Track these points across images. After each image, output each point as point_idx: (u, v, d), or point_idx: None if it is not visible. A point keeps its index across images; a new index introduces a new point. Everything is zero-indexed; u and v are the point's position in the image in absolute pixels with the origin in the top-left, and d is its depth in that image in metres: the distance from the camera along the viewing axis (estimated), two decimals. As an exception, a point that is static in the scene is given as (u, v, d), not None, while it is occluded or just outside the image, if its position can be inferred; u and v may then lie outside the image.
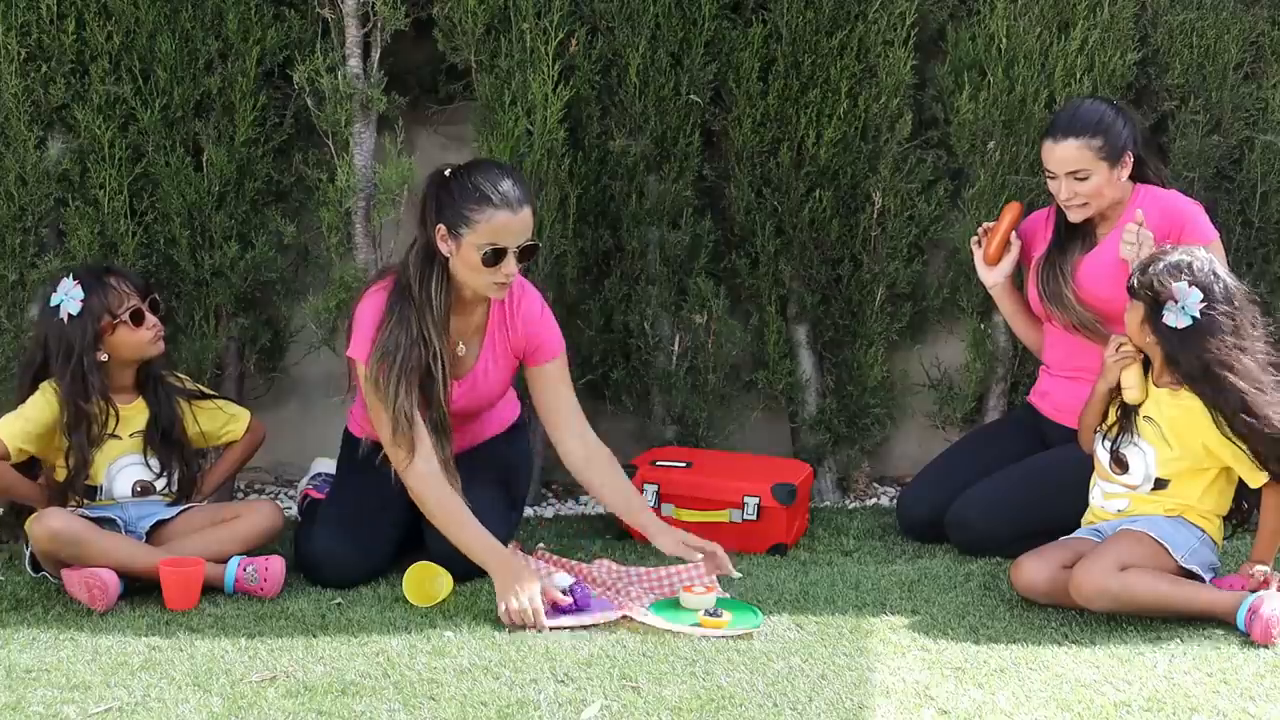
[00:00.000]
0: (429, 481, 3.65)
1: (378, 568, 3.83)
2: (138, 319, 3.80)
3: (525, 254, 3.70)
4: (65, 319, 3.75)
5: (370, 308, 3.74)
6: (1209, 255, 3.58)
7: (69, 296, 3.75)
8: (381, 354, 3.66)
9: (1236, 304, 3.50)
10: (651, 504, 4.10)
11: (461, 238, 3.64)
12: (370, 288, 3.83)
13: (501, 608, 3.48)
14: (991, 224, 4.19)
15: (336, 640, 3.38)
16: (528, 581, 3.51)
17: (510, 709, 3.01)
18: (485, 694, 3.08)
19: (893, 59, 4.51)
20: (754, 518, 4.09)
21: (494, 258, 3.64)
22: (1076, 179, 3.93)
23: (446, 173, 3.71)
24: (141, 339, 3.81)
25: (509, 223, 3.63)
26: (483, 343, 3.86)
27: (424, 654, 3.30)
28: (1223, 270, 3.55)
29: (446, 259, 3.69)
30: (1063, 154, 3.92)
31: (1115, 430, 3.64)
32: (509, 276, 3.68)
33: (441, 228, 3.66)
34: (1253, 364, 3.47)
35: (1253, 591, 3.47)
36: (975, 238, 4.21)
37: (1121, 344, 3.64)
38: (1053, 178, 3.97)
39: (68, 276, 3.80)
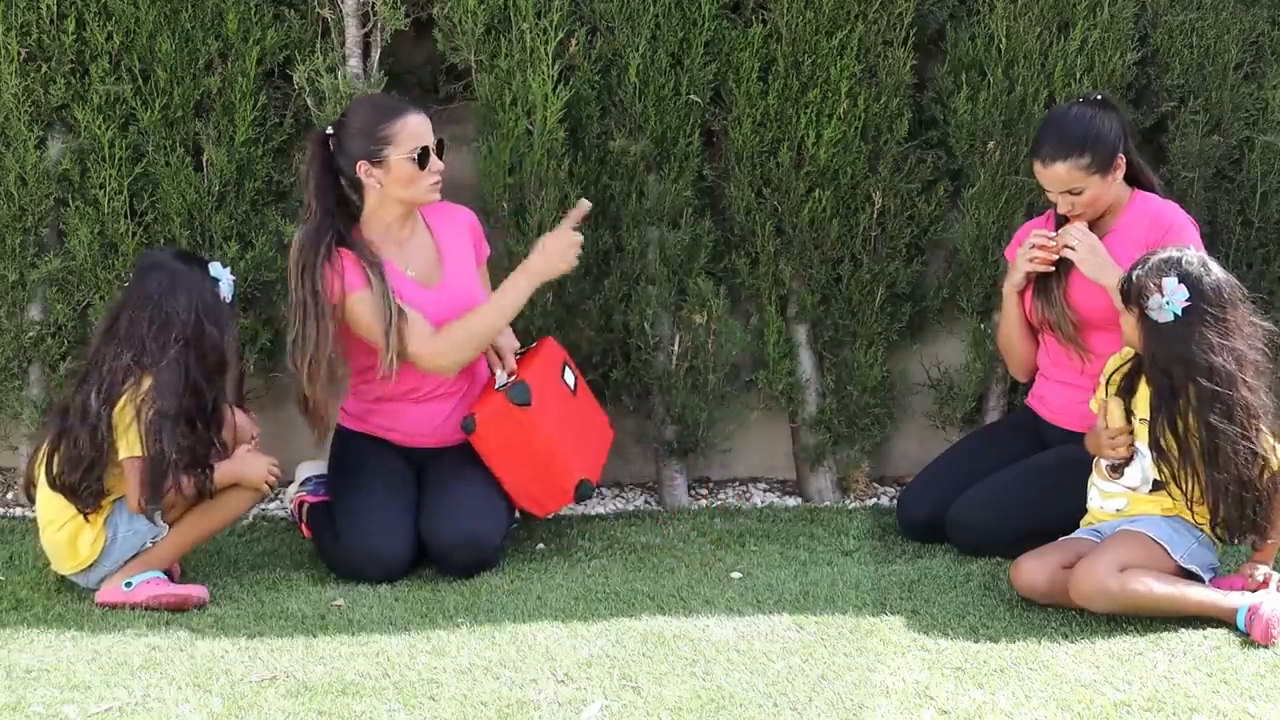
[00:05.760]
0: (443, 335, 3.89)
1: (415, 557, 3.86)
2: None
3: (440, 149, 3.94)
4: (225, 299, 3.68)
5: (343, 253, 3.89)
6: (1201, 253, 3.57)
7: (226, 281, 3.69)
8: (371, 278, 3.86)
9: (1226, 297, 3.49)
10: None
11: (387, 158, 3.86)
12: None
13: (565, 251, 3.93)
14: (1049, 237, 4.00)
15: (336, 640, 3.39)
16: (563, 244, 3.94)
17: (510, 709, 3.01)
18: (485, 694, 3.08)
19: (892, 59, 4.51)
20: None
21: (424, 157, 3.87)
22: (1072, 194, 3.93)
23: (329, 130, 3.93)
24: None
25: (421, 122, 3.90)
26: (440, 252, 4.05)
27: (424, 654, 3.30)
28: (1215, 265, 3.53)
29: (359, 198, 3.93)
30: (1053, 175, 3.92)
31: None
32: (439, 171, 3.92)
33: (363, 164, 3.87)
34: (1235, 371, 3.45)
35: (1252, 592, 3.47)
36: (1036, 249, 3.99)
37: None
38: (1048, 192, 3.97)
39: (216, 261, 3.72)
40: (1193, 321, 3.44)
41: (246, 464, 3.74)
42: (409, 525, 3.88)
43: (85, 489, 3.60)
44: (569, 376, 4.11)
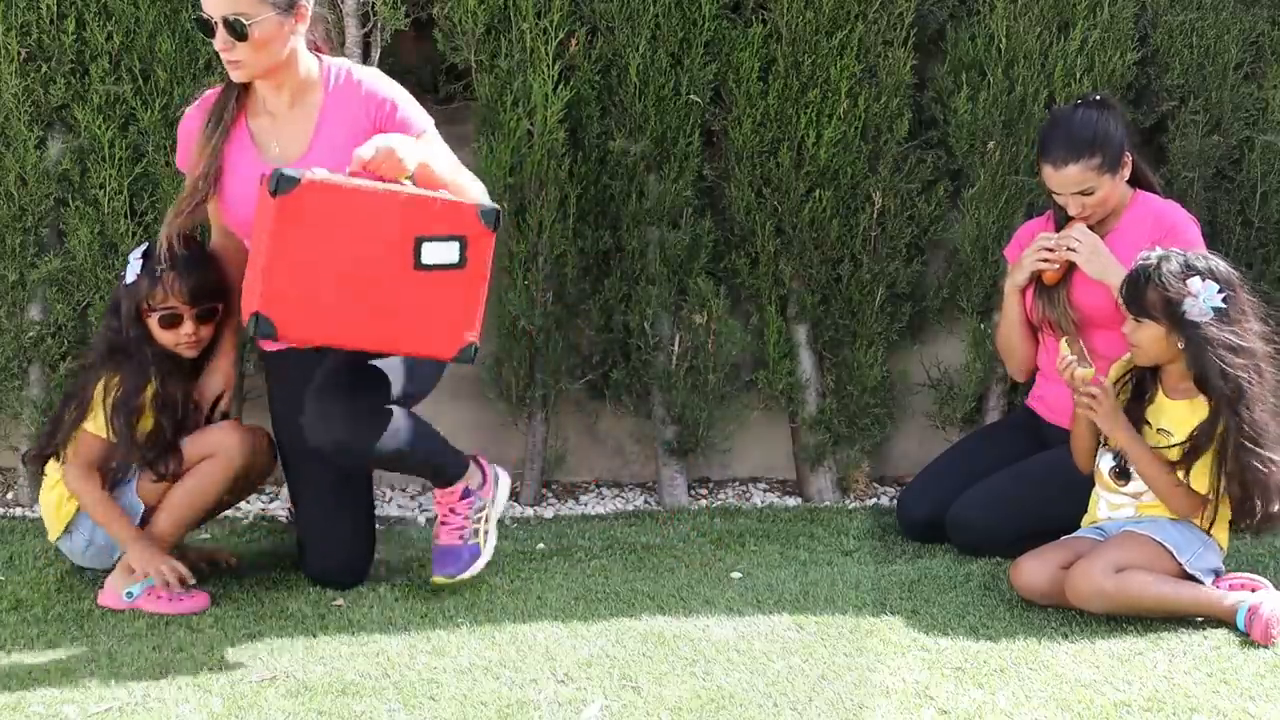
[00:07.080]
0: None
1: (368, 559, 3.82)
2: (171, 321, 3.65)
3: (231, 29, 3.42)
4: (121, 281, 3.72)
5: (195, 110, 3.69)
6: (1194, 250, 3.56)
7: (132, 262, 3.69)
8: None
9: (1237, 282, 3.48)
10: None
11: None
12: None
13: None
14: (1053, 240, 3.99)
15: (336, 640, 3.39)
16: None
17: (510, 709, 3.01)
18: (485, 694, 3.08)
19: (892, 59, 4.51)
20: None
21: (202, 28, 3.47)
22: (1083, 195, 3.93)
23: None
24: (170, 340, 3.68)
25: None
26: (314, 132, 3.62)
27: (424, 654, 3.30)
28: (1217, 258, 3.53)
29: None
30: (1066, 178, 3.90)
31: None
32: (222, 51, 3.46)
33: None
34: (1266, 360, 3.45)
35: (1251, 591, 3.46)
36: (1044, 249, 3.98)
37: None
38: (1058, 194, 3.96)
39: (146, 245, 3.72)
40: (1230, 312, 3.43)
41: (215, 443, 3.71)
42: (356, 540, 3.76)
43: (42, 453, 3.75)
44: (436, 249, 3.31)
